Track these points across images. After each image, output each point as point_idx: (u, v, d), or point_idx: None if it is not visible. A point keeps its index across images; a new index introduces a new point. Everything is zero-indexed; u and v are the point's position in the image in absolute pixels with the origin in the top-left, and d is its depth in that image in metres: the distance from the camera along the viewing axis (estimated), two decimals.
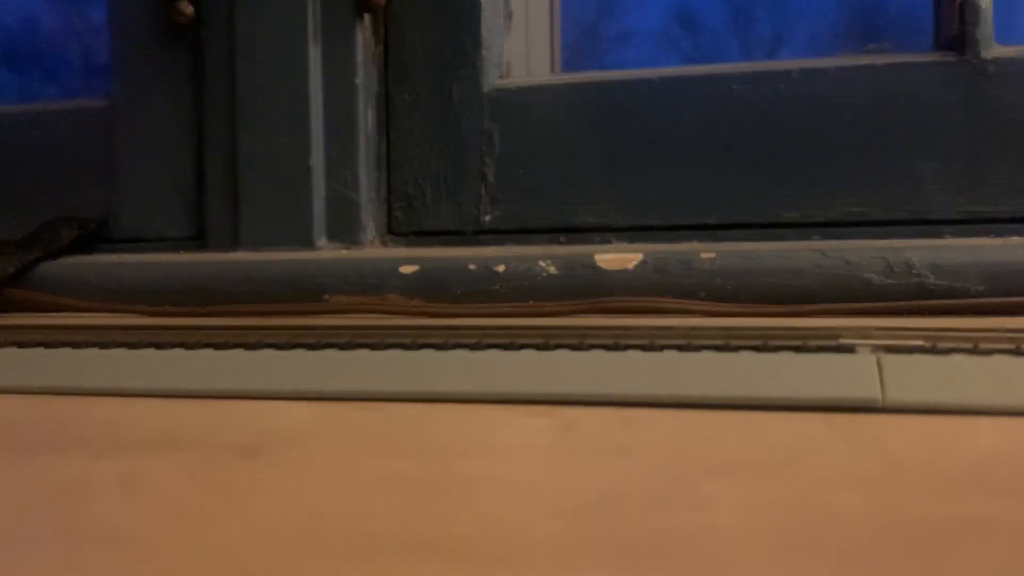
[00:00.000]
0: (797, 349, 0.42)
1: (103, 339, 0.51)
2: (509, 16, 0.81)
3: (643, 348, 0.44)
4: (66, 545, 0.22)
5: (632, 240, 0.75)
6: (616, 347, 0.44)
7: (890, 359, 0.40)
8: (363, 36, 0.79)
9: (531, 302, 0.72)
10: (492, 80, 0.78)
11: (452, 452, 0.32)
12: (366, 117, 0.79)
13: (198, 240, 0.82)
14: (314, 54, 0.78)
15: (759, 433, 0.34)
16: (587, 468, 0.29)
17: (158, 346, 0.49)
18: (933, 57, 0.71)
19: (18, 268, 0.70)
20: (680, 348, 0.44)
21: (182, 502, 0.26)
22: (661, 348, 0.44)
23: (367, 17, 0.79)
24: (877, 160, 0.71)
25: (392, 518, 0.24)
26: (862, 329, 0.46)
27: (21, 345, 0.51)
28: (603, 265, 0.71)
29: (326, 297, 0.73)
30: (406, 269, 0.73)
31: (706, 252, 0.70)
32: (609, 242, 0.76)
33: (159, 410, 0.40)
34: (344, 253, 0.78)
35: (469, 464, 0.30)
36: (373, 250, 0.79)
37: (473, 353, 0.45)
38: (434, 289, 0.72)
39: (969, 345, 0.41)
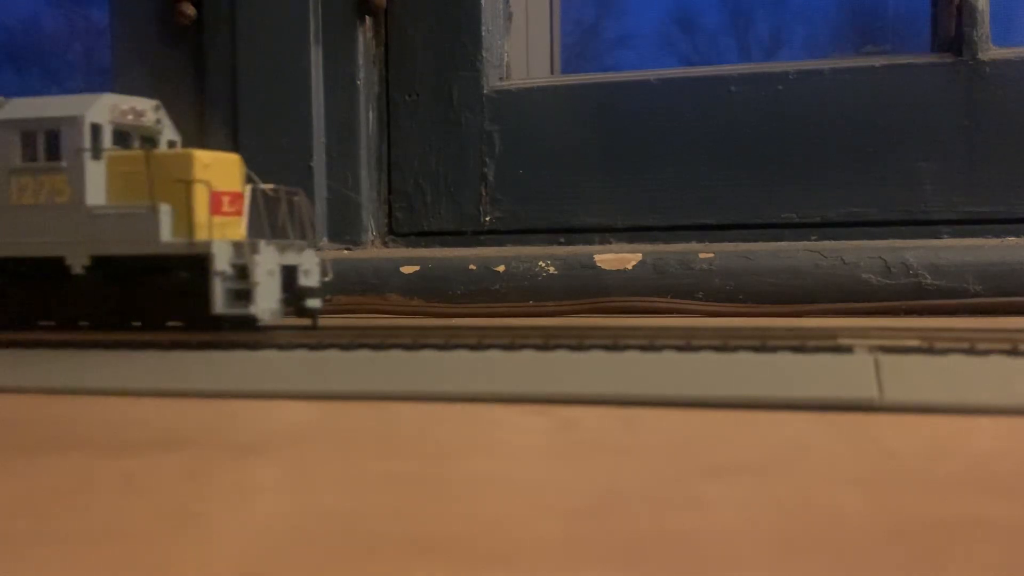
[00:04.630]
0: (795, 349, 0.42)
1: (106, 340, 0.51)
2: (509, 18, 0.81)
3: (643, 348, 0.44)
4: (66, 545, 0.23)
5: (631, 240, 0.75)
6: (616, 347, 0.44)
7: (887, 359, 0.40)
8: (364, 38, 0.79)
9: (531, 302, 0.72)
10: (492, 81, 0.79)
11: (452, 452, 0.32)
12: (367, 118, 0.79)
13: None
14: (315, 56, 0.78)
15: (758, 433, 0.34)
16: (587, 468, 0.30)
17: (161, 347, 0.49)
18: (930, 59, 0.71)
19: None
20: (679, 348, 0.44)
21: (182, 502, 0.26)
22: (661, 348, 0.44)
23: (368, 19, 0.79)
24: (874, 161, 0.71)
25: (392, 518, 0.24)
26: (860, 329, 0.46)
27: (25, 346, 0.51)
28: (602, 265, 0.71)
29: (328, 297, 0.73)
30: (407, 269, 0.74)
31: (704, 252, 0.70)
32: (608, 242, 0.76)
33: (160, 410, 0.40)
34: (345, 253, 0.78)
35: (469, 464, 0.30)
36: (374, 250, 0.79)
37: (473, 353, 0.45)
38: (435, 289, 0.73)
39: (966, 345, 0.41)
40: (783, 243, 0.70)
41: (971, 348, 0.41)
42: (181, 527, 0.24)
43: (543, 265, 0.72)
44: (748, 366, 0.41)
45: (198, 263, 0.49)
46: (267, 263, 0.49)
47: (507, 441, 0.34)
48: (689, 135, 0.75)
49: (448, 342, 0.46)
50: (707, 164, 0.74)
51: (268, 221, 0.51)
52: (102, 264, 0.51)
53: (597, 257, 0.71)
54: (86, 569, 0.21)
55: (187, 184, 0.49)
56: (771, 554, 0.21)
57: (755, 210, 0.73)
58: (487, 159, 0.78)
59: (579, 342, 0.45)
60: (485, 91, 0.78)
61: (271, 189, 0.53)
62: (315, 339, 0.48)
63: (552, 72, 0.88)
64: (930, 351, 0.41)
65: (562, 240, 0.77)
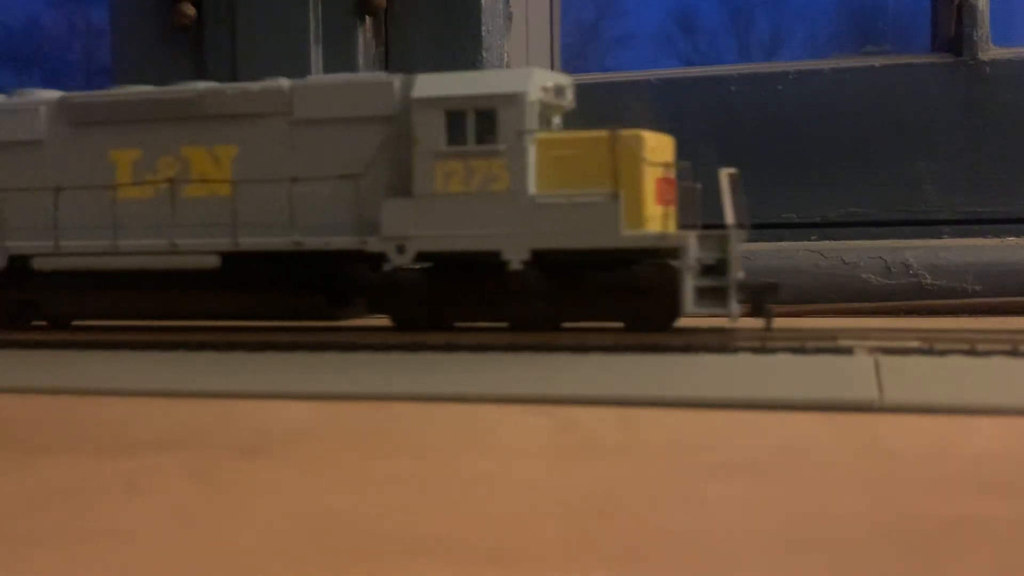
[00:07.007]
0: (795, 350, 0.42)
1: (107, 340, 0.51)
2: (509, 17, 0.81)
3: (643, 349, 0.44)
4: (66, 545, 0.23)
5: None
6: (616, 348, 0.44)
7: (887, 360, 0.40)
8: (364, 38, 0.79)
9: None
10: None
11: (452, 452, 0.32)
12: None
13: None
14: (315, 56, 0.78)
15: (757, 433, 0.34)
16: (587, 468, 0.30)
17: (161, 347, 0.49)
18: (931, 59, 0.71)
19: None
20: (680, 349, 0.44)
21: (182, 502, 0.26)
22: (661, 348, 0.44)
23: (368, 19, 0.79)
24: (875, 160, 0.71)
25: (393, 518, 0.24)
26: (860, 330, 0.46)
27: (25, 346, 0.51)
28: None
29: None
30: None
31: None
32: None
33: (160, 410, 0.40)
34: None
35: (470, 464, 0.30)
36: None
37: (473, 353, 0.45)
38: None
39: (966, 346, 0.41)
40: (783, 243, 0.70)
41: (971, 349, 0.41)
42: (181, 527, 0.24)
43: None
44: (748, 367, 0.41)
45: (651, 257, 0.45)
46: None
47: (507, 441, 0.34)
48: (689, 135, 0.75)
49: (449, 342, 0.46)
50: (707, 164, 0.74)
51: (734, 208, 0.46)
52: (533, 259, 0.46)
53: None
54: (86, 569, 0.21)
55: (646, 168, 0.45)
56: (771, 554, 0.21)
57: (755, 210, 0.73)
58: None
59: (579, 343, 0.45)
60: None
61: (734, 174, 0.47)
62: (316, 340, 0.48)
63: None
64: (930, 352, 0.41)
65: None
